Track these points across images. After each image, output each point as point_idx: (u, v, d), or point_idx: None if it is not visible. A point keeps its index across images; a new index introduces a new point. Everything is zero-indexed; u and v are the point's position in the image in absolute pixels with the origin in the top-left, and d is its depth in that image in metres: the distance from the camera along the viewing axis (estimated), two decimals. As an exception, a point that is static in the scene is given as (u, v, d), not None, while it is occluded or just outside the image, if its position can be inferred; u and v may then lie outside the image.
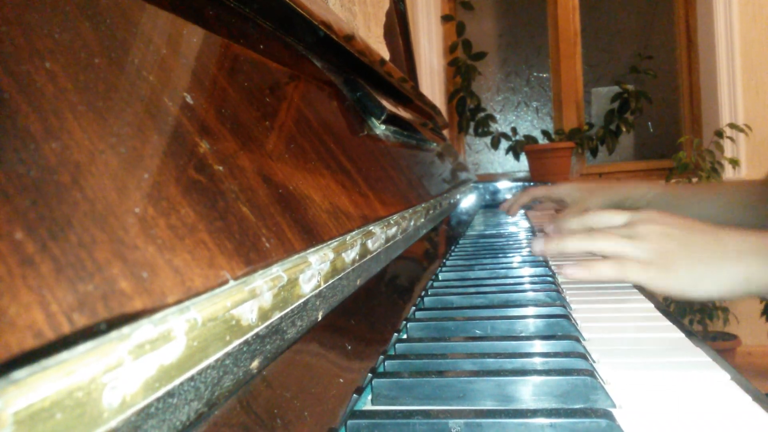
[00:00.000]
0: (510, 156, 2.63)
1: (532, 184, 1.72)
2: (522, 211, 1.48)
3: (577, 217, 0.67)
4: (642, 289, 0.61)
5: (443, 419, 0.29)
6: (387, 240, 0.46)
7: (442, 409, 0.31)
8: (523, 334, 0.45)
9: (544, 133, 2.59)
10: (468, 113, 2.58)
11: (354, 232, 0.37)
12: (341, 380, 0.31)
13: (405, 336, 0.47)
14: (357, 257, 0.37)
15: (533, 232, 1.06)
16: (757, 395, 0.32)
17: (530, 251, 0.68)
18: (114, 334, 0.15)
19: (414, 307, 0.52)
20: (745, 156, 2.31)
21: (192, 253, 0.20)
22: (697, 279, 0.55)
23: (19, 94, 0.17)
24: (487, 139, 2.65)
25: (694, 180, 2.09)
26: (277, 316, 0.24)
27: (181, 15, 0.32)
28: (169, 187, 0.21)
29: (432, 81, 2.53)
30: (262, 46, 0.42)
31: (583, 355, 0.37)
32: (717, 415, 0.30)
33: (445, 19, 2.63)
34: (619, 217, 0.63)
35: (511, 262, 0.73)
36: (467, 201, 1.42)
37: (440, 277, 0.68)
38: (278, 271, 0.25)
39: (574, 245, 0.60)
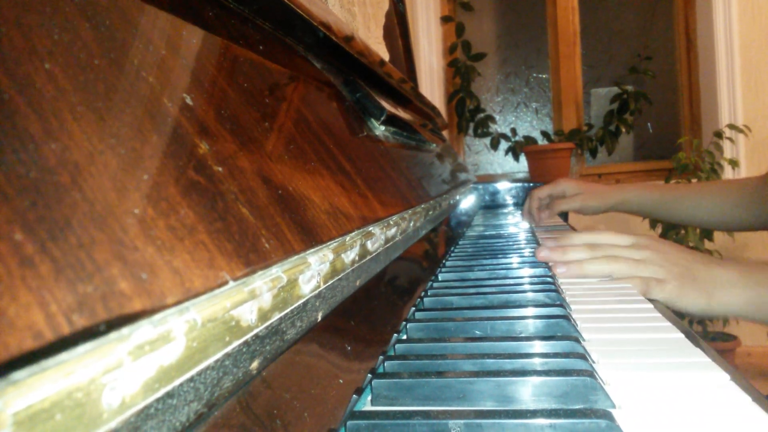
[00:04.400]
0: (509, 157, 2.63)
1: (531, 185, 1.72)
2: (521, 212, 1.48)
3: (582, 235, 0.73)
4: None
5: (443, 420, 0.29)
6: (386, 241, 0.46)
7: (442, 410, 0.31)
8: (522, 335, 0.45)
9: (544, 133, 2.59)
10: (467, 114, 2.59)
11: (353, 233, 0.37)
12: (341, 381, 0.31)
13: (405, 336, 0.47)
14: (356, 258, 0.37)
15: (533, 233, 1.06)
16: (757, 396, 0.32)
17: (550, 269, 0.72)
18: (113, 334, 0.15)
19: (414, 308, 0.52)
20: (744, 157, 2.31)
21: (191, 253, 0.20)
22: (694, 297, 0.62)
23: (19, 94, 0.17)
24: (487, 140, 2.66)
25: (694, 181, 2.09)
26: (276, 316, 0.24)
27: (181, 16, 0.32)
28: (168, 187, 0.21)
29: (431, 82, 2.53)
30: (261, 47, 0.42)
31: (583, 356, 0.37)
32: (716, 416, 0.30)
33: (445, 20, 2.64)
34: (622, 239, 0.70)
35: (511, 263, 0.73)
36: (467, 202, 1.42)
37: (440, 278, 0.68)
38: (278, 271, 0.25)
39: (594, 269, 0.66)
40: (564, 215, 1.45)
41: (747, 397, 0.32)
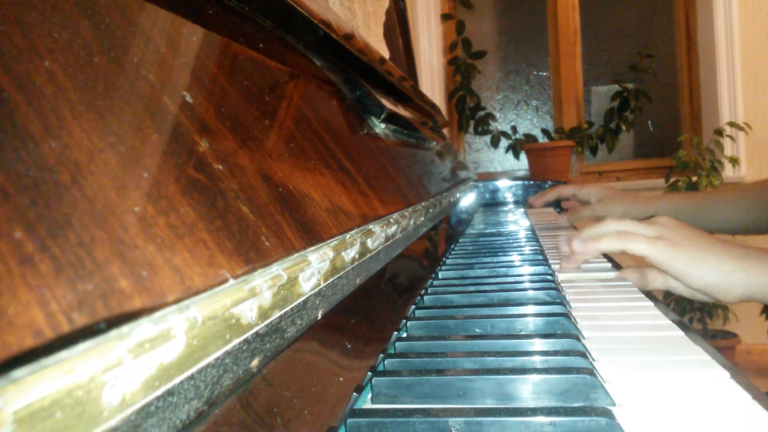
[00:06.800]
0: (510, 154, 2.63)
1: (532, 182, 1.72)
2: (522, 210, 1.48)
3: (596, 225, 0.71)
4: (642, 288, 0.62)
5: (443, 418, 0.29)
6: (387, 239, 0.46)
7: (442, 408, 0.31)
8: (522, 333, 0.45)
9: (544, 131, 2.59)
10: (468, 112, 2.58)
11: (354, 231, 0.37)
12: (341, 379, 0.31)
13: (405, 334, 0.47)
14: (357, 256, 0.37)
15: (533, 230, 1.06)
16: (757, 394, 0.32)
17: (562, 262, 0.72)
18: (113, 333, 0.15)
19: (414, 306, 0.52)
20: (744, 154, 2.31)
21: (191, 251, 0.20)
22: (698, 263, 0.60)
23: (19, 93, 0.17)
24: (487, 138, 2.65)
25: (694, 179, 2.09)
26: (276, 314, 0.24)
27: (181, 14, 0.32)
28: (168, 186, 0.21)
29: (432, 80, 2.53)
30: (261, 45, 0.42)
31: (583, 354, 0.37)
32: (716, 414, 0.30)
33: (445, 17, 2.63)
34: (634, 223, 0.69)
35: (511, 261, 0.73)
36: (467, 199, 1.42)
37: (440, 276, 0.68)
38: (278, 269, 0.25)
39: (606, 245, 0.65)
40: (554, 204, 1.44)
41: (747, 395, 0.32)
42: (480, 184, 1.72)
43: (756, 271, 0.58)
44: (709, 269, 0.60)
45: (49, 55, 0.20)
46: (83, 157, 0.18)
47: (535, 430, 0.29)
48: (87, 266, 0.15)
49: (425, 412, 0.30)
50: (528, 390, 0.33)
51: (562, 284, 0.63)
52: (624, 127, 2.42)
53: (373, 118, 0.67)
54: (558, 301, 0.52)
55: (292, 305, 0.26)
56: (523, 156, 2.56)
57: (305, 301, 0.30)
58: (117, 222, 0.18)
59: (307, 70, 0.51)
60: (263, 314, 0.23)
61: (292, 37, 0.52)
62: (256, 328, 0.22)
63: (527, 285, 0.59)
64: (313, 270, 0.29)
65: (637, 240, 0.63)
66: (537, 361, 0.37)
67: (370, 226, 0.42)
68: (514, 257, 0.76)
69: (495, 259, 0.75)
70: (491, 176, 2.73)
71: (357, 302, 0.39)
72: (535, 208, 1.29)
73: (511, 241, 0.91)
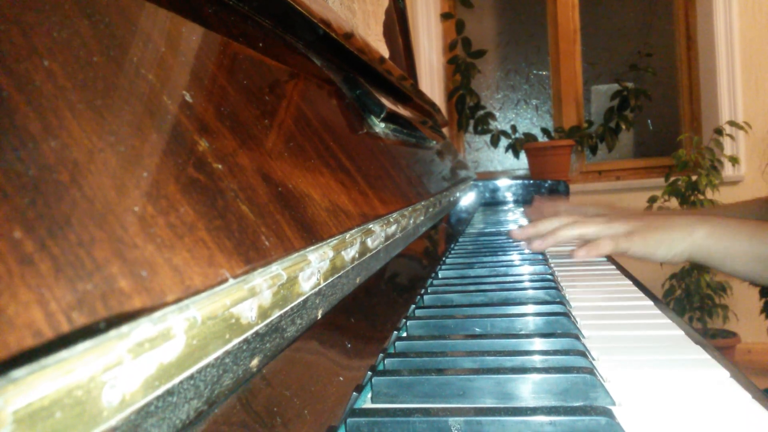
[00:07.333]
0: (510, 154, 2.63)
1: (532, 182, 1.72)
2: (521, 210, 1.48)
3: (550, 216, 0.81)
4: (641, 286, 0.62)
5: (443, 417, 0.29)
6: (386, 238, 0.46)
7: (442, 407, 0.31)
8: (522, 332, 0.45)
9: (544, 130, 2.59)
10: (467, 111, 2.58)
11: (353, 230, 0.37)
12: (341, 378, 0.31)
13: (405, 334, 0.47)
14: (356, 255, 0.37)
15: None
16: (757, 393, 0.32)
17: (525, 247, 0.80)
18: (113, 332, 0.15)
19: (414, 305, 0.52)
20: (744, 153, 2.31)
21: (191, 251, 0.20)
22: (655, 245, 0.68)
23: (18, 92, 0.17)
24: (487, 137, 2.65)
25: (694, 178, 2.09)
26: (276, 314, 0.24)
27: (180, 13, 0.32)
28: (168, 185, 0.21)
29: (431, 79, 2.53)
30: (261, 44, 0.42)
31: (583, 353, 0.37)
32: (716, 413, 0.30)
33: (445, 16, 2.63)
34: (588, 209, 0.84)
35: (511, 260, 0.73)
36: (467, 199, 1.42)
37: (440, 275, 0.68)
38: (278, 269, 0.25)
39: (566, 233, 0.73)
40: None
41: (747, 394, 0.32)
42: (480, 184, 1.72)
43: (699, 236, 0.67)
44: (663, 250, 0.68)
45: (49, 54, 0.20)
46: (83, 157, 0.18)
47: (535, 429, 0.29)
48: (87, 266, 0.15)
49: (425, 412, 0.30)
50: (528, 389, 0.33)
51: (561, 283, 0.63)
52: (624, 126, 2.42)
53: (373, 117, 0.67)
54: (558, 300, 0.52)
55: (292, 305, 0.26)
56: (522, 155, 2.56)
57: (305, 301, 0.30)
58: (117, 221, 0.18)
59: (307, 70, 0.51)
60: (263, 314, 0.23)
61: (291, 37, 0.52)
62: (255, 328, 0.22)
63: (527, 284, 0.59)
64: (312, 269, 0.29)
65: (622, 242, 0.69)
66: (537, 360, 0.37)
67: (370, 226, 0.42)
68: (514, 256, 0.76)
69: (495, 259, 0.75)
70: (491, 175, 2.73)
71: (357, 301, 0.39)
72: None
73: (510, 240, 0.91)
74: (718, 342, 2.15)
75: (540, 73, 2.70)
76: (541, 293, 0.55)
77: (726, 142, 2.24)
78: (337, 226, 0.35)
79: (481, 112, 2.59)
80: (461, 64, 2.56)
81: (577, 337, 0.40)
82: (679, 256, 0.68)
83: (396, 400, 0.34)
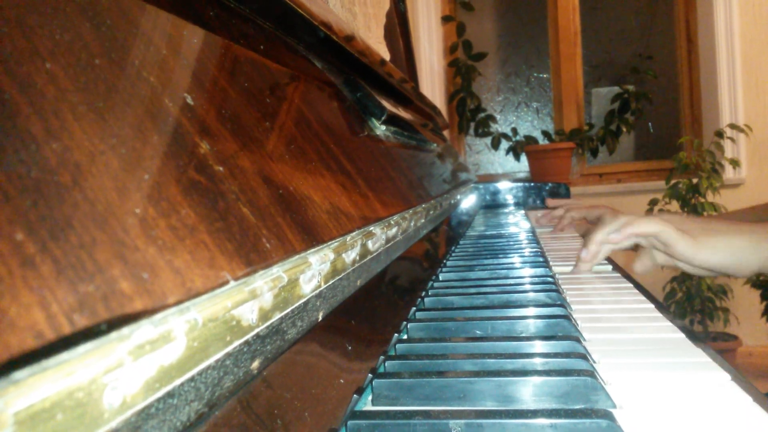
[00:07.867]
0: (510, 156, 2.63)
1: (532, 184, 1.72)
2: (523, 212, 1.48)
3: (599, 227, 0.76)
4: (642, 289, 0.62)
5: (444, 419, 0.29)
6: (387, 240, 0.46)
7: (442, 410, 0.31)
8: (523, 335, 0.45)
9: (545, 133, 2.59)
10: (468, 114, 2.58)
11: (354, 233, 0.37)
12: (341, 381, 0.31)
13: (405, 336, 0.47)
14: (357, 258, 0.37)
15: (533, 232, 1.06)
16: (758, 396, 0.32)
17: (578, 266, 0.75)
18: (114, 334, 0.15)
19: (414, 308, 0.52)
20: (745, 156, 2.31)
21: (192, 253, 0.20)
22: (707, 245, 0.65)
23: (20, 94, 0.17)
24: (488, 140, 2.65)
25: (695, 181, 2.09)
26: (277, 316, 0.24)
27: (182, 16, 0.32)
28: (169, 187, 0.21)
29: (432, 81, 2.53)
30: (262, 47, 0.42)
31: (584, 356, 0.37)
32: (717, 416, 0.30)
33: (446, 19, 2.63)
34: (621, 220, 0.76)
35: (512, 263, 0.73)
36: (467, 201, 1.42)
37: (441, 278, 0.68)
38: (278, 271, 0.25)
39: (635, 229, 0.69)
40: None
41: (748, 397, 0.32)
42: (480, 186, 1.72)
43: (765, 246, 0.64)
44: (721, 251, 0.65)
45: (51, 56, 0.20)
46: (84, 159, 0.18)
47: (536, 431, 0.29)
48: (88, 268, 0.15)
49: (426, 414, 0.30)
50: (529, 392, 0.33)
51: (562, 286, 0.63)
52: (624, 129, 2.42)
53: (374, 120, 0.67)
54: (558, 302, 0.52)
55: (293, 307, 0.26)
56: (523, 158, 2.56)
57: (306, 303, 0.30)
58: (118, 224, 0.18)
59: (308, 72, 0.51)
60: (264, 316, 0.23)
61: (292, 39, 0.52)
62: (256, 330, 0.22)
63: (528, 287, 0.59)
64: (313, 272, 0.29)
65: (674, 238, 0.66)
66: (538, 363, 0.37)
67: (371, 228, 0.42)
68: (515, 259, 0.76)
69: (495, 261, 0.75)
70: (492, 178, 2.73)
71: (358, 304, 0.39)
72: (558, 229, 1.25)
73: (511, 242, 0.91)
74: (719, 345, 2.14)
75: (541, 75, 2.70)
76: (542, 296, 0.55)
77: (727, 144, 2.24)
78: (337, 229, 0.35)
79: (482, 115, 2.59)
80: (462, 67, 2.56)
81: (577, 340, 0.40)
82: (745, 267, 0.65)
83: (396, 403, 0.34)
